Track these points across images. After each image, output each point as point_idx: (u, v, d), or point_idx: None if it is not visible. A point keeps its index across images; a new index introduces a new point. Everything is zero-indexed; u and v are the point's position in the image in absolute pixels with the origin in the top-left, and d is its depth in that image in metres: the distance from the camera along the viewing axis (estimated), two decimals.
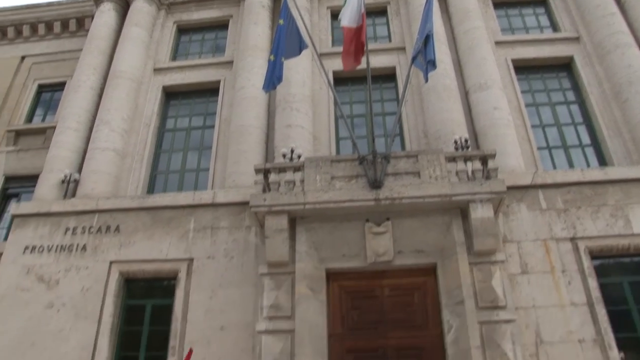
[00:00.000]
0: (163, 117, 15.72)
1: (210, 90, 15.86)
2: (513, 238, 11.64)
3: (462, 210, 11.13)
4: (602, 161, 13.52)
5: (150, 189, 14.34)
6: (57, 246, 13.18)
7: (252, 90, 14.43)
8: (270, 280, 11.03)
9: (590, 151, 13.83)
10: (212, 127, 15.04)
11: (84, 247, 13.01)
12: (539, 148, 13.70)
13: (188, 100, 15.99)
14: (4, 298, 12.87)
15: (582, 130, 14.17)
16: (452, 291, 10.66)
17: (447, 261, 10.92)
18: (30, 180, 16.19)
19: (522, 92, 14.61)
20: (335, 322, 10.89)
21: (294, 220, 11.37)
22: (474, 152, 11.55)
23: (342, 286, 11.19)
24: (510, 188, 11.60)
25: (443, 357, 10.46)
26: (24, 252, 13.25)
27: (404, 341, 10.62)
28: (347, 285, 11.17)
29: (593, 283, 11.06)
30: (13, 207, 14.37)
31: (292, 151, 12.41)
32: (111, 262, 12.67)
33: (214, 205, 12.81)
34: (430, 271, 11.15)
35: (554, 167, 13.56)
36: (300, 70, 14.76)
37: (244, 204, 12.32)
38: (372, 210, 11.12)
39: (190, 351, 3.89)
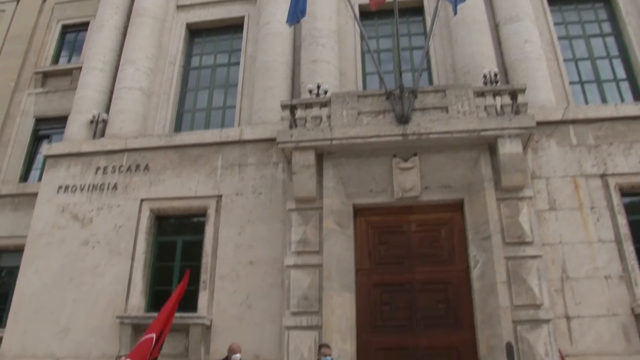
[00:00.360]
0: (188, 55, 15.66)
1: (234, 27, 15.67)
2: (542, 174, 11.56)
3: (490, 146, 11.04)
4: (638, 96, 13.16)
5: (177, 128, 14.47)
6: (89, 185, 13.51)
7: (277, 25, 14.21)
8: (298, 215, 11.20)
9: (625, 86, 13.45)
10: (238, 64, 14.95)
11: (115, 186, 13.31)
12: (571, 83, 13.36)
13: (212, 38, 15.85)
14: (42, 236, 13.36)
15: (617, 64, 13.74)
16: (479, 227, 10.72)
17: (475, 197, 10.93)
18: (60, 121, 16.43)
19: (555, 24, 14.11)
20: (362, 257, 11.09)
21: (321, 156, 11.43)
22: (504, 86, 11.35)
23: (369, 221, 11.32)
24: (540, 123, 11.41)
25: (469, 292, 10.62)
26: (57, 191, 13.63)
27: (431, 275, 10.79)
28: (374, 220, 11.30)
29: (622, 220, 10.99)
30: (45, 148, 14.70)
31: (318, 87, 12.33)
32: (142, 200, 12.97)
33: (241, 142, 12.90)
34: (457, 207, 11.18)
35: (586, 102, 13.24)
36: (326, 5, 14.48)
37: (271, 140, 12.38)
38: (400, 145, 11.09)
39: (187, 273, 4.20)
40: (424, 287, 10.76)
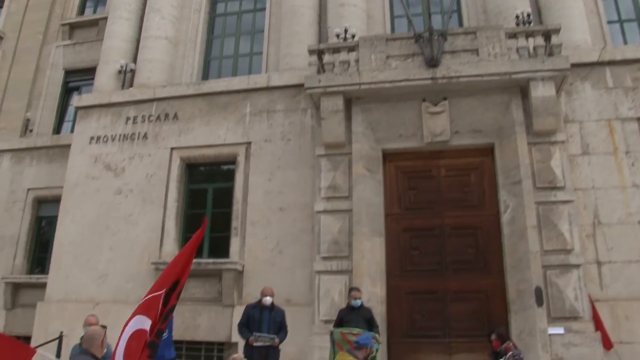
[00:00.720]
0: (213, 1, 15.50)
1: None
2: (575, 118, 11.31)
3: (522, 89, 10.82)
4: None
5: (205, 75, 14.47)
6: (119, 135, 13.74)
7: None
8: (327, 161, 11.26)
9: None
10: (263, 9, 14.73)
11: (145, 135, 13.52)
12: (609, 22, 12.88)
13: None
14: (77, 186, 13.73)
15: None
16: (510, 171, 10.64)
17: (505, 141, 10.82)
18: (88, 72, 16.58)
19: None
20: (392, 202, 11.16)
21: (350, 101, 11.36)
22: (537, 27, 11.02)
23: (398, 166, 11.33)
24: (574, 65, 11.09)
25: (498, 236, 10.64)
26: (89, 142, 13.90)
27: (460, 220, 10.82)
28: (404, 165, 11.30)
29: None
30: (75, 100, 14.94)
31: (345, 31, 12.14)
32: (172, 149, 13.16)
33: (268, 89, 12.89)
34: (488, 151, 11.10)
35: (625, 42, 12.79)
36: None
37: (299, 86, 12.31)
38: (429, 89, 10.96)
39: (205, 221, 4.26)
40: (454, 232, 10.82)
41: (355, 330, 7.86)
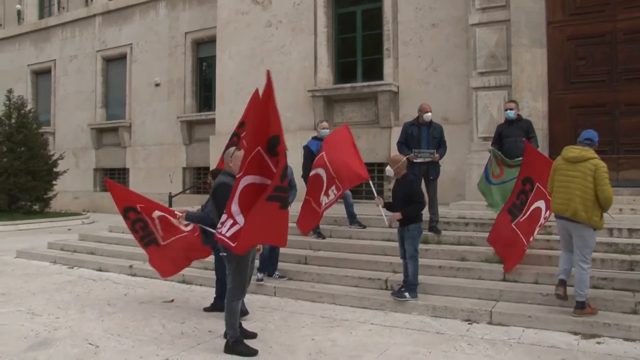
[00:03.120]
0: None
1: None
2: None
3: None
4: None
5: None
6: None
7: None
8: None
9: None
10: None
11: None
12: None
13: None
14: (229, 23, 14.44)
15: None
16: None
17: None
18: None
19: None
20: (554, 7, 10.35)
21: None
22: None
23: None
24: None
25: None
26: None
27: (638, 22, 9.86)
28: None
29: None
30: None
31: None
32: None
33: None
34: None
35: None
36: None
37: None
38: None
39: (269, 74, 4.10)
40: (629, 37, 9.91)
41: (512, 161, 7.77)
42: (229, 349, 5.04)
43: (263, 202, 4.61)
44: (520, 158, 7.32)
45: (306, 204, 8.17)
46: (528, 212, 6.81)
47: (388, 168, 6.61)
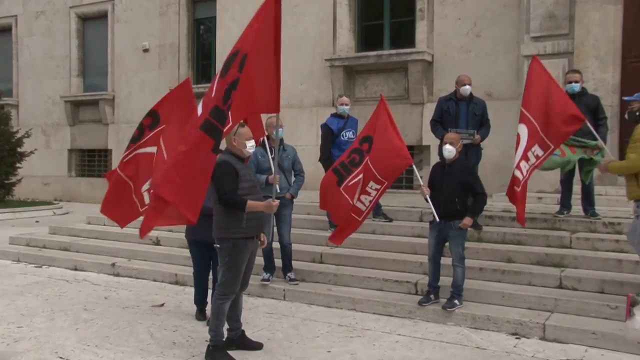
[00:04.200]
0: None
1: None
2: None
3: None
4: None
5: None
6: None
7: None
8: None
9: None
10: None
11: None
12: None
13: None
14: None
15: None
16: None
17: None
18: None
19: None
20: None
21: None
22: None
23: None
24: None
25: None
26: None
27: None
28: None
29: None
30: None
31: None
32: None
33: None
34: None
35: None
36: None
37: None
38: None
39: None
40: None
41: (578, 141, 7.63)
42: (207, 354, 5.11)
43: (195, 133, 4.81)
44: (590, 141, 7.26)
45: (336, 203, 7.34)
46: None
47: (449, 147, 6.44)
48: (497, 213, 8.58)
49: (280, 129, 7.35)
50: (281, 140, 7.33)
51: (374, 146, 6.92)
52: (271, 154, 7.26)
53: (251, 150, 5.38)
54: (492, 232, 8.05)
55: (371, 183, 6.89)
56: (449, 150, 6.42)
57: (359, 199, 6.96)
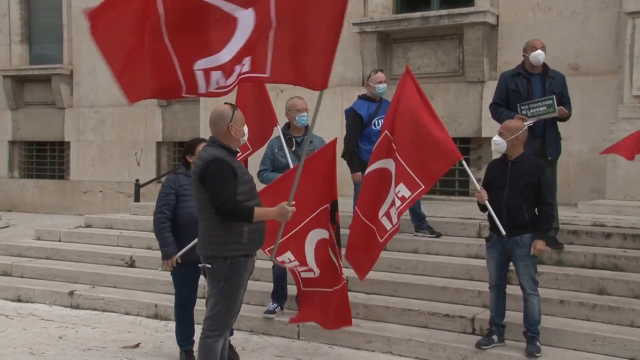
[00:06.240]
0: None
1: None
2: None
3: None
4: None
5: None
6: None
7: None
8: None
9: None
10: None
11: None
12: None
13: None
14: None
15: None
16: None
17: None
18: None
19: None
20: None
21: None
22: None
23: None
24: None
25: None
26: None
27: None
28: None
29: None
30: None
31: None
32: None
33: None
34: None
35: None
36: None
37: None
38: None
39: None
40: None
41: None
42: None
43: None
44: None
45: (358, 226, 7.33)
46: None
47: (497, 139, 6.44)
48: (584, 227, 8.59)
49: (305, 114, 7.47)
50: (305, 127, 7.40)
51: (400, 136, 6.92)
52: (290, 147, 7.31)
53: (244, 140, 5.46)
54: (577, 252, 8.05)
55: (400, 187, 6.82)
56: (497, 143, 6.44)
57: (385, 213, 7.00)
